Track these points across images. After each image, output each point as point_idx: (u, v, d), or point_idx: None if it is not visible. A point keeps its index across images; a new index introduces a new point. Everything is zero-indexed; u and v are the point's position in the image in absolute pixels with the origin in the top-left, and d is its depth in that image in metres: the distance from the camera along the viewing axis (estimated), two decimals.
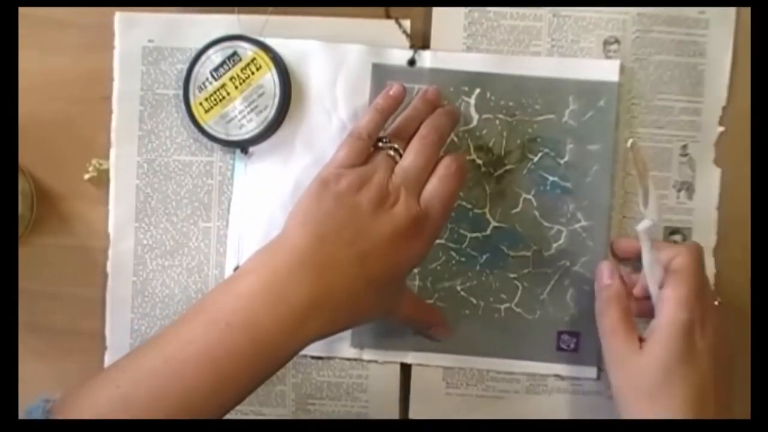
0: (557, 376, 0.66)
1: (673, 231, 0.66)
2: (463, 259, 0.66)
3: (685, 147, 0.66)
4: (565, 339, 0.66)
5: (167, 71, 0.66)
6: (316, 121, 0.65)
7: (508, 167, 0.66)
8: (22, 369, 0.60)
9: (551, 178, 0.66)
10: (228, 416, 0.66)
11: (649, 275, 0.59)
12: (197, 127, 0.65)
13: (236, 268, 0.66)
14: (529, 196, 0.66)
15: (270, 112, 0.64)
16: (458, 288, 0.66)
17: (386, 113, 0.61)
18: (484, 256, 0.66)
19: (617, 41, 0.65)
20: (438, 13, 0.66)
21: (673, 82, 0.66)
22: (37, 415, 0.49)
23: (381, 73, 0.65)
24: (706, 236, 0.67)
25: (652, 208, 0.58)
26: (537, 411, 0.66)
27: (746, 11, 0.65)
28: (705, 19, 0.65)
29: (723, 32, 0.65)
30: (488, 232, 0.66)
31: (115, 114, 0.66)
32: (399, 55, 0.65)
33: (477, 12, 0.65)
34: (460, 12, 0.65)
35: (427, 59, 0.65)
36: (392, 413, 0.67)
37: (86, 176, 0.66)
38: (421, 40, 0.66)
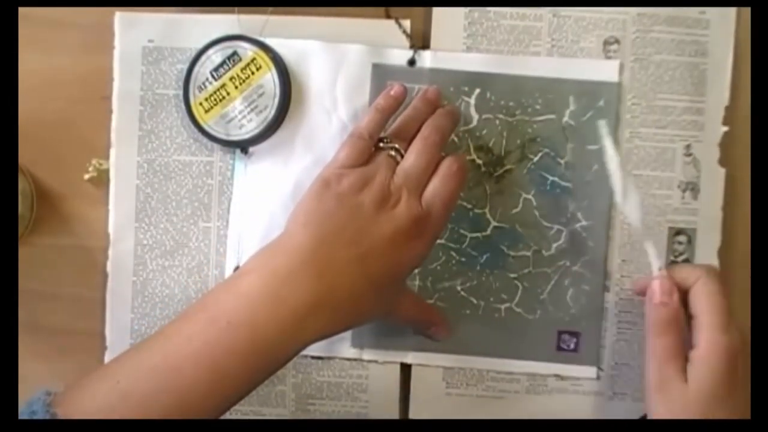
0: (557, 376, 0.66)
1: (678, 232, 0.66)
2: (463, 259, 0.66)
3: (688, 147, 0.65)
4: (566, 339, 0.66)
5: (167, 71, 0.66)
6: (316, 121, 0.65)
7: (508, 167, 0.66)
8: (22, 369, 0.60)
9: (551, 178, 0.65)
10: (228, 416, 0.66)
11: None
12: (197, 127, 0.65)
13: (236, 268, 0.66)
14: (529, 196, 0.65)
15: (270, 112, 0.64)
16: (458, 288, 0.66)
17: (387, 113, 0.61)
18: (484, 256, 0.66)
19: (617, 41, 0.65)
20: (438, 13, 0.65)
21: (675, 82, 0.65)
22: (38, 407, 0.49)
23: (381, 73, 0.65)
24: (712, 237, 0.66)
25: (631, 204, 0.59)
26: (537, 411, 0.66)
27: (746, 11, 0.65)
28: (706, 19, 0.65)
29: (724, 32, 0.65)
30: (488, 232, 0.66)
31: (115, 114, 0.66)
32: (399, 55, 0.65)
33: (477, 12, 0.65)
34: (460, 12, 0.65)
35: (427, 59, 0.65)
36: (392, 413, 0.67)
37: (86, 176, 0.66)
38: (421, 40, 0.66)
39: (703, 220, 0.66)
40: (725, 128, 0.65)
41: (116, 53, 0.65)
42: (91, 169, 0.66)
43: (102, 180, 0.66)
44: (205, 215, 0.66)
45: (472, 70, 0.65)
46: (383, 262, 0.55)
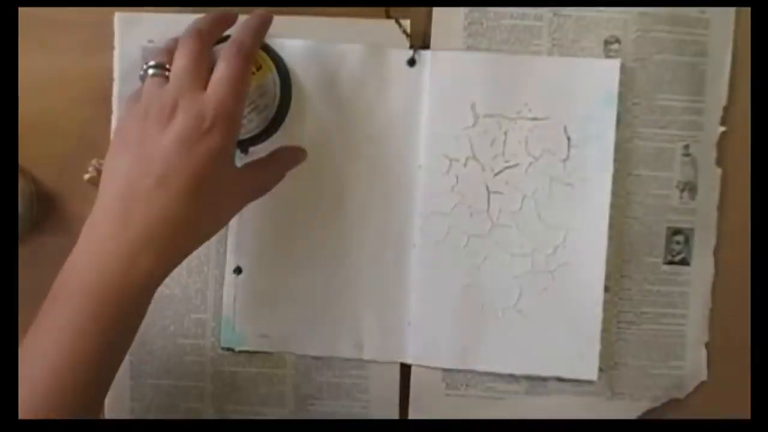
0: (558, 378, 0.66)
1: (676, 231, 0.66)
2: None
3: (687, 147, 0.66)
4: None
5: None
6: (316, 121, 0.65)
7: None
8: None
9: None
10: (228, 416, 0.67)
11: None
12: None
13: (236, 269, 0.66)
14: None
15: (270, 112, 0.64)
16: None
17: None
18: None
19: (618, 41, 0.65)
20: (438, 13, 0.65)
21: (675, 82, 0.65)
22: None
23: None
24: (708, 237, 0.67)
25: None
26: (537, 412, 0.66)
27: (746, 10, 0.65)
28: (705, 19, 0.65)
29: (723, 32, 0.65)
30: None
31: (115, 114, 0.66)
32: (399, 55, 0.65)
33: (477, 12, 0.65)
34: (460, 12, 0.65)
35: (427, 59, 0.65)
36: (392, 413, 0.67)
37: (86, 176, 0.66)
38: (421, 40, 0.66)
39: (700, 219, 0.66)
40: (722, 128, 0.66)
41: (116, 53, 0.65)
42: (91, 169, 0.66)
43: None
44: None
45: (472, 69, 0.65)
46: (184, 174, 0.53)
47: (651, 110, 0.65)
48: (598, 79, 0.65)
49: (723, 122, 0.66)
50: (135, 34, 0.65)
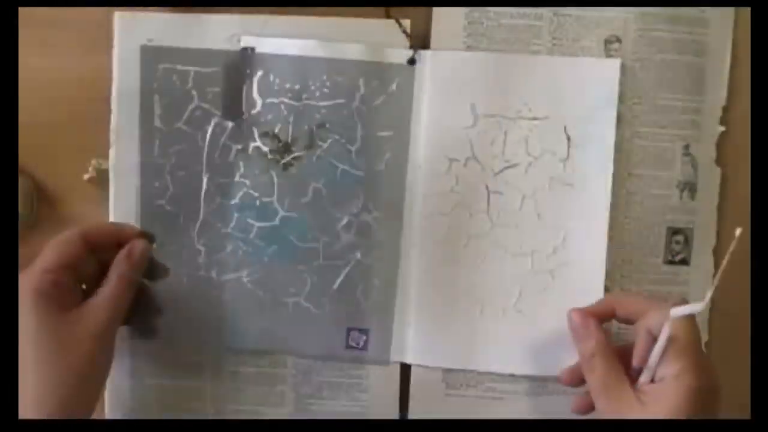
0: (557, 378, 0.66)
1: (675, 231, 0.66)
2: (249, 249, 0.66)
3: (687, 147, 0.66)
4: (354, 336, 0.66)
5: (167, 71, 0.65)
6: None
7: (296, 154, 0.65)
8: None
9: (341, 167, 0.65)
10: (228, 416, 0.67)
11: (656, 354, 0.55)
12: None
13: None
14: (319, 185, 0.65)
15: None
16: (245, 279, 0.66)
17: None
18: (272, 247, 0.66)
19: (618, 40, 0.65)
20: (438, 12, 0.65)
21: (675, 82, 0.65)
22: None
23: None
24: (708, 236, 0.67)
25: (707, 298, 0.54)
26: (537, 412, 0.66)
27: (746, 10, 0.65)
28: (705, 18, 0.65)
29: (723, 31, 0.65)
30: (276, 222, 0.65)
31: (114, 114, 0.65)
32: (399, 55, 0.65)
33: (477, 12, 0.65)
34: (460, 12, 0.65)
35: (427, 59, 0.65)
36: (392, 413, 0.67)
37: (86, 176, 0.66)
38: (421, 40, 0.66)
39: (700, 219, 0.66)
40: (722, 128, 0.66)
41: (115, 53, 0.65)
42: (91, 169, 0.66)
43: (102, 180, 0.66)
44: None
45: (462, 68, 0.65)
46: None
47: (651, 110, 0.65)
48: (598, 78, 0.65)
49: (723, 122, 0.66)
50: (135, 34, 0.65)
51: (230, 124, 0.64)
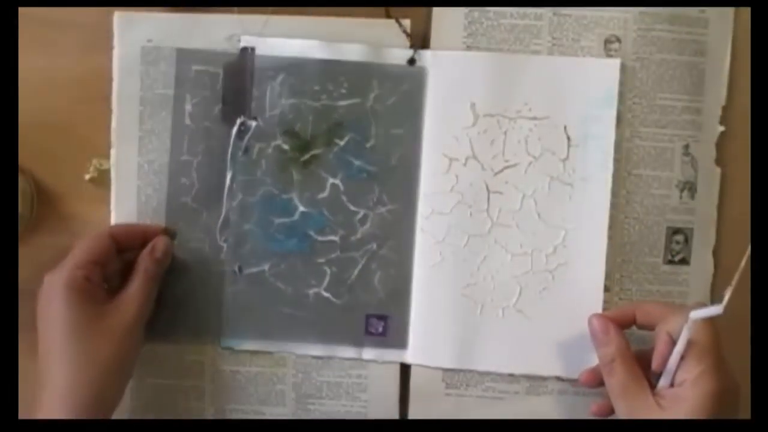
0: (558, 378, 0.66)
1: (676, 231, 0.66)
2: (270, 243, 0.66)
3: (687, 146, 0.65)
4: (373, 323, 0.66)
5: (167, 71, 0.65)
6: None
7: (314, 152, 0.66)
8: (21, 369, 0.60)
9: (357, 163, 0.66)
10: (228, 416, 0.67)
11: (675, 358, 0.56)
12: None
13: (238, 269, 0.66)
14: (336, 181, 0.66)
15: None
16: (266, 273, 0.66)
17: None
18: (292, 241, 0.66)
19: (618, 40, 0.65)
20: (438, 12, 0.65)
21: (675, 81, 0.65)
22: None
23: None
24: (707, 236, 0.67)
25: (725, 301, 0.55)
26: (537, 412, 0.66)
27: (745, 10, 0.65)
28: (705, 18, 0.65)
29: (722, 31, 0.65)
30: (296, 217, 0.66)
31: (114, 114, 0.65)
32: (399, 55, 0.65)
33: (477, 11, 0.65)
34: (460, 12, 0.65)
35: (427, 59, 0.65)
36: (392, 413, 0.67)
37: (86, 176, 0.66)
38: (421, 40, 0.66)
39: (700, 219, 0.66)
40: (722, 128, 0.66)
41: (115, 53, 0.65)
42: (91, 169, 0.66)
43: (102, 180, 0.66)
44: (205, 215, 0.66)
45: (462, 67, 0.65)
46: None
47: (651, 109, 0.65)
48: (598, 78, 0.65)
49: (722, 122, 0.66)
50: (135, 34, 0.65)
51: (254, 123, 0.65)
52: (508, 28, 0.65)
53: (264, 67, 0.65)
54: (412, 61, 0.65)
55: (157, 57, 0.65)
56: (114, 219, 0.66)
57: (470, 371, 0.66)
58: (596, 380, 0.62)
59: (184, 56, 0.65)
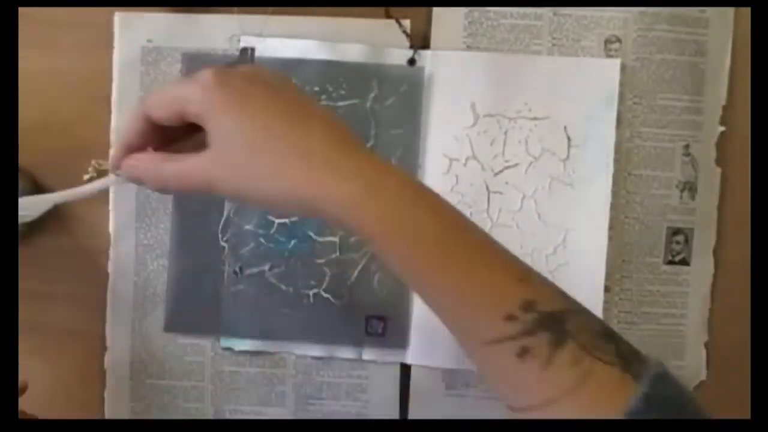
0: None
1: (676, 231, 0.66)
2: (271, 245, 0.66)
3: (687, 147, 0.65)
4: (373, 323, 0.66)
5: (166, 71, 0.66)
6: None
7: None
8: (22, 369, 0.60)
9: None
10: (228, 416, 0.67)
11: None
12: None
13: (237, 270, 0.66)
14: None
15: None
16: (267, 274, 0.66)
17: None
18: (292, 242, 0.66)
19: (618, 40, 0.65)
20: (438, 12, 0.65)
21: (675, 82, 0.65)
22: None
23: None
24: (708, 236, 0.67)
25: None
26: None
27: (745, 10, 0.65)
28: (705, 18, 0.65)
29: (722, 31, 0.65)
30: (295, 218, 0.66)
31: (114, 114, 0.66)
32: (399, 55, 0.65)
33: (477, 12, 0.65)
34: (460, 12, 0.65)
35: (427, 59, 0.65)
36: (392, 413, 0.67)
37: (86, 176, 0.66)
38: (421, 40, 0.66)
39: (700, 219, 0.66)
40: (722, 128, 0.66)
41: (115, 53, 0.65)
42: (90, 169, 0.66)
43: None
44: (206, 215, 0.66)
45: (462, 68, 0.65)
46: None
47: (651, 110, 0.65)
48: (598, 78, 0.65)
49: (723, 122, 0.66)
50: (135, 34, 0.65)
51: None
52: (508, 28, 0.65)
53: None
54: (412, 62, 0.65)
55: (157, 57, 0.65)
56: (113, 219, 0.66)
57: (470, 371, 0.66)
58: None
59: (184, 57, 0.65)
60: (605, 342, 0.44)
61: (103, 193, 0.66)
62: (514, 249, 0.64)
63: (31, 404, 0.56)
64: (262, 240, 0.66)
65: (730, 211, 0.67)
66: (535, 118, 0.65)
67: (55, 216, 0.66)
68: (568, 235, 0.65)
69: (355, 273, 0.66)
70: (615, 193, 0.65)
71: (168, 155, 0.49)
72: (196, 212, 0.66)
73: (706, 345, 0.67)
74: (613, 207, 0.65)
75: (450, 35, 0.65)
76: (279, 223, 0.66)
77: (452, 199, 0.64)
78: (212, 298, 0.66)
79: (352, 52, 0.65)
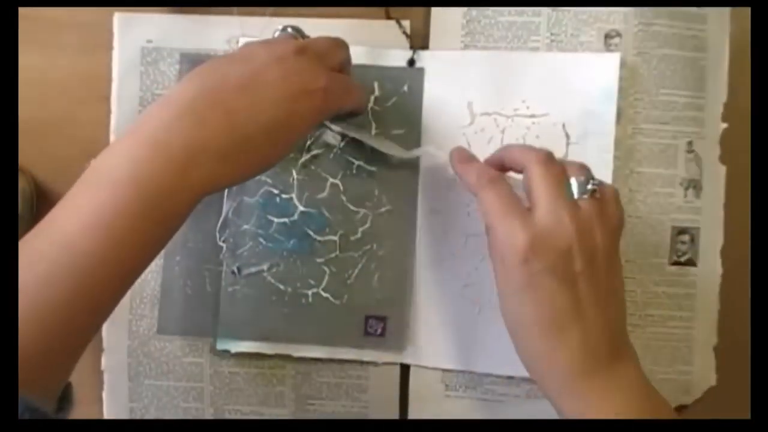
0: None
1: (681, 231, 0.65)
2: (270, 244, 0.65)
3: (690, 143, 0.64)
4: (373, 323, 0.66)
5: (166, 71, 0.66)
6: None
7: (315, 152, 0.65)
8: None
9: (357, 162, 0.65)
10: (228, 416, 0.66)
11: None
12: None
13: (237, 269, 0.65)
14: (336, 181, 0.65)
15: None
16: (265, 273, 0.66)
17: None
18: (291, 241, 0.65)
19: (619, 34, 0.64)
20: (437, 12, 0.65)
21: (677, 77, 0.64)
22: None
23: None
24: (715, 236, 0.65)
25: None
26: (536, 415, 0.65)
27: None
28: (703, 14, 0.64)
29: (720, 27, 0.64)
30: (295, 217, 0.65)
31: (114, 114, 0.66)
32: (399, 56, 0.65)
33: (475, 10, 0.65)
34: (458, 11, 0.65)
35: (426, 59, 0.65)
36: (392, 413, 0.66)
37: None
38: (421, 41, 0.66)
39: (707, 218, 0.65)
40: (725, 125, 0.65)
41: (115, 53, 0.66)
42: None
43: None
44: (204, 215, 0.66)
45: (459, 66, 0.65)
46: (276, 110, 0.51)
47: (653, 105, 0.64)
48: (597, 73, 0.64)
49: (725, 118, 0.65)
50: (134, 34, 0.66)
51: None
52: (506, 25, 0.65)
53: None
54: (411, 62, 0.65)
55: (157, 57, 0.66)
56: None
57: (469, 373, 0.65)
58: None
59: (183, 57, 0.66)
60: None
61: None
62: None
63: None
64: (261, 239, 0.65)
65: (737, 209, 0.65)
66: (532, 116, 0.64)
67: None
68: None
69: (355, 272, 0.65)
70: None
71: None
72: (194, 212, 0.65)
73: (716, 349, 0.66)
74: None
75: (448, 35, 0.65)
76: (278, 223, 0.65)
77: (450, 198, 0.64)
78: (209, 299, 0.66)
79: (353, 54, 0.64)
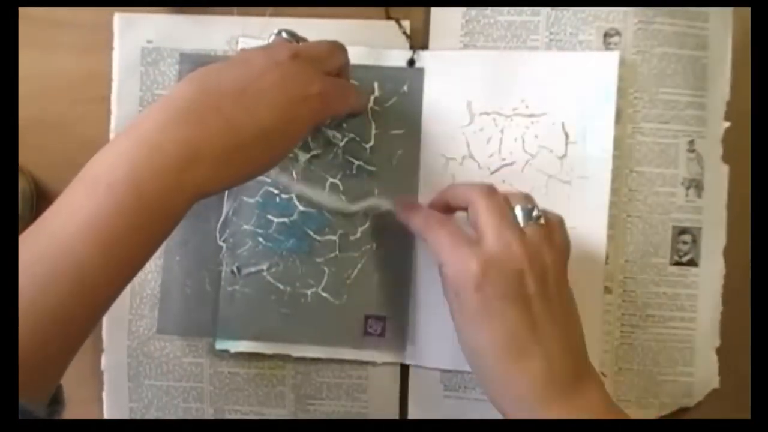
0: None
1: (683, 231, 0.65)
2: (269, 244, 0.65)
3: (691, 142, 0.64)
4: (372, 323, 0.66)
5: (166, 72, 0.66)
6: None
7: (315, 152, 0.65)
8: None
9: (357, 162, 0.65)
10: (228, 416, 0.66)
11: None
12: None
13: (237, 269, 0.65)
14: (336, 181, 0.65)
15: None
16: (264, 273, 0.65)
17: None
18: (291, 241, 0.65)
19: (618, 33, 0.64)
20: (436, 12, 0.65)
21: (677, 76, 0.64)
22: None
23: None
24: (717, 236, 0.65)
25: None
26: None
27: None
28: (704, 12, 0.64)
29: (722, 25, 0.64)
30: (295, 216, 0.65)
31: (114, 114, 0.66)
32: (399, 56, 0.65)
33: (474, 10, 0.65)
34: (458, 11, 0.65)
35: (426, 59, 0.65)
36: (392, 413, 0.66)
37: None
38: (420, 41, 0.66)
39: (708, 218, 0.65)
40: (727, 124, 0.64)
41: (115, 54, 0.66)
42: None
43: None
44: (204, 215, 0.66)
45: (458, 66, 0.65)
46: (272, 116, 0.51)
47: (653, 104, 0.64)
48: (596, 72, 0.63)
49: (728, 117, 0.64)
50: (134, 34, 0.66)
51: None
52: (505, 25, 0.65)
53: None
54: (411, 62, 0.65)
55: (157, 58, 0.66)
56: None
57: (468, 373, 0.65)
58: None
59: (183, 58, 0.66)
60: None
61: None
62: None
63: None
64: (261, 239, 0.65)
65: (739, 209, 0.65)
66: (531, 115, 0.64)
67: None
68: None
69: (355, 272, 0.65)
70: (617, 191, 0.64)
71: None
72: (194, 212, 0.65)
73: (718, 350, 0.65)
74: (616, 205, 0.64)
75: (448, 35, 0.65)
76: (278, 222, 0.65)
77: None
78: (209, 299, 0.66)
79: (353, 54, 0.64)
